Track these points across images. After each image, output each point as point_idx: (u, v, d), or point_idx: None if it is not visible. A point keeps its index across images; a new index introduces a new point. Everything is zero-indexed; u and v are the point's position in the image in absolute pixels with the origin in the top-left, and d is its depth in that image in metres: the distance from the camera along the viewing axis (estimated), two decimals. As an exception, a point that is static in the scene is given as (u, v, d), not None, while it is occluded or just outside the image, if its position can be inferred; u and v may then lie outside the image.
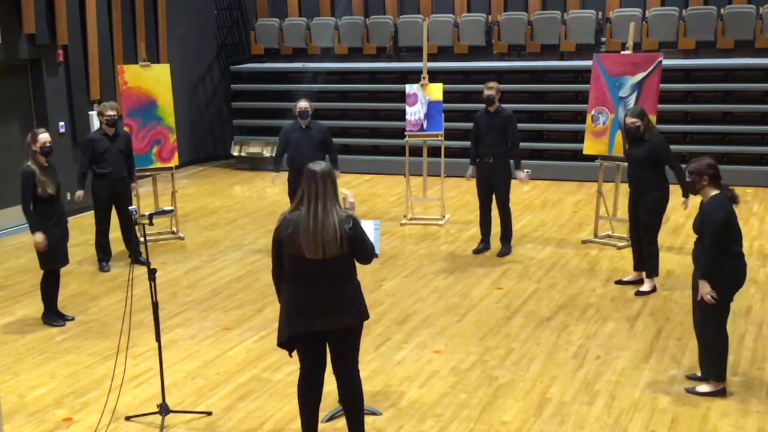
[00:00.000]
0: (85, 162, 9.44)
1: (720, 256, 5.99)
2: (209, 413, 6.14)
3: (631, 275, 8.68)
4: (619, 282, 8.66)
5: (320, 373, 5.38)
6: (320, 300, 5.14)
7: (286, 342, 5.33)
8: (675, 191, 8.32)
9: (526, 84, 13.89)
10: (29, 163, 7.67)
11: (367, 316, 5.35)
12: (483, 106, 9.67)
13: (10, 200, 11.17)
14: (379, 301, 8.30)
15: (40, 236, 7.63)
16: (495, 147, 9.49)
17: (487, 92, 9.50)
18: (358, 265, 5.26)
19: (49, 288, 7.96)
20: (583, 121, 10.45)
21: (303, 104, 9.80)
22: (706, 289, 5.99)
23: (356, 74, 14.91)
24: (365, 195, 12.82)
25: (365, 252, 5.24)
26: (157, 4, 14.27)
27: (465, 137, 9.79)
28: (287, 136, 9.83)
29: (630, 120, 8.30)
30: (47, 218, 7.72)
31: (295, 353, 5.37)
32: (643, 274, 8.49)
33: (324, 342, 5.31)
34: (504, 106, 9.65)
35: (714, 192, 6.08)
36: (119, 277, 9.25)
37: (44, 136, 7.70)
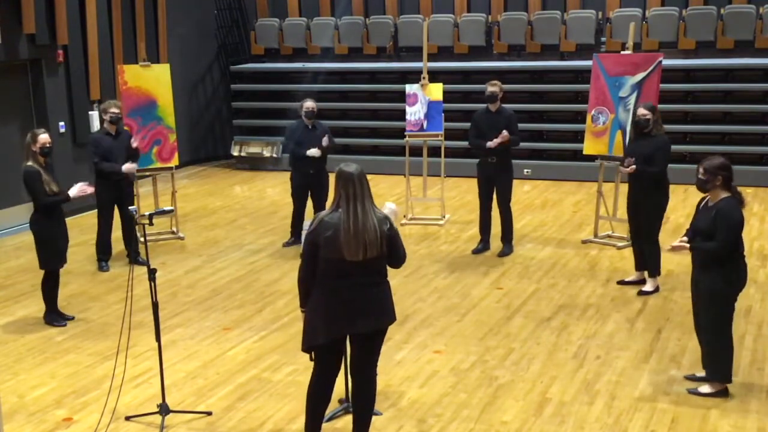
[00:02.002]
0: (97, 158, 9.22)
1: (727, 258, 5.98)
2: (209, 413, 6.14)
3: (633, 275, 8.67)
4: (621, 282, 8.65)
5: (336, 375, 5.36)
6: (359, 303, 5.10)
7: (314, 346, 5.23)
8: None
9: (526, 84, 13.87)
10: (30, 163, 7.66)
11: (395, 318, 5.34)
12: (483, 105, 9.66)
13: (10, 200, 11.18)
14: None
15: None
16: (497, 146, 9.48)
17: (490, 89, 9.45)
18: None
19: (50, 288, 7.96)
20: (583, 121, 10.45)
21: (310, 104, 10.00)
22: (682, 244, 6.09)
23: (356, 74, 14.90)
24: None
25: (400, 253, 5.23)
26: (157, 4, 14.25)
27: (465, 137, 9.77)
28: (294, 135, 9.99)
29: (641, 111, 8.24)
30: (52, 216, 7.73)
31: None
32: (645, 273, 8.49)
33: (344, 344, 5.28)
34: (504, 105, 9.65)
35: (725, 194, 6.02)
36: (119, 277, 9.24)
37: (44, 137, 7.69)
